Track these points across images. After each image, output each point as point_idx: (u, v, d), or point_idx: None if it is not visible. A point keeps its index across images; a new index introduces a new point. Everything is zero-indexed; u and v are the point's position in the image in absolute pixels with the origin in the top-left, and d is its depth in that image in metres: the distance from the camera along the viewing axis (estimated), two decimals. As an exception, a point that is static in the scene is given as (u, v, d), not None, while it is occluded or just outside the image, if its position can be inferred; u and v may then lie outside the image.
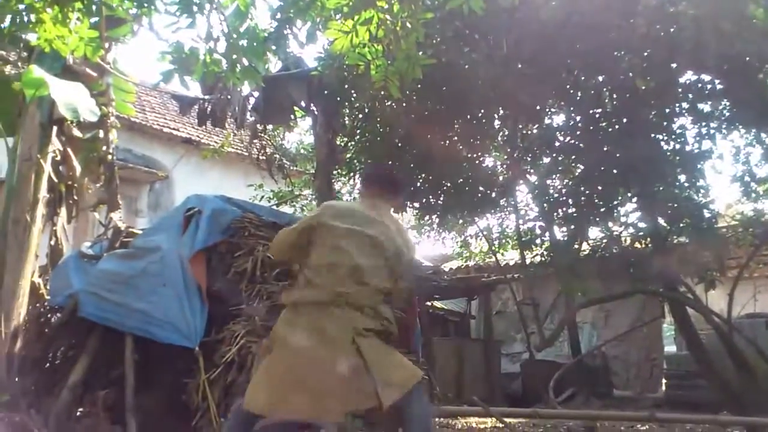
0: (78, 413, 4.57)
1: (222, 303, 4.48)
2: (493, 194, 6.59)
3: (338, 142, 6.17)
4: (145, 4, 3.07)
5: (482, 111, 5.91)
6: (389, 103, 5.80)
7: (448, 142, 6.21)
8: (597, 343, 9.18)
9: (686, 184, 5.47)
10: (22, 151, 4.87)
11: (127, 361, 4.45)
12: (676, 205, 5.27)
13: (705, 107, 5.52)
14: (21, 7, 2.93)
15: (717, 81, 5.29)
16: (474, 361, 8.43)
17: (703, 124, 5.47)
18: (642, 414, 4.83)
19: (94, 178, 5.83)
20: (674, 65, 5.28)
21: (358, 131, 6.64)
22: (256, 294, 4.36)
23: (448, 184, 6.58)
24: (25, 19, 3.00)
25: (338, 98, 5.77)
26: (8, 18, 3.06)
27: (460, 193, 6.50)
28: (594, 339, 9.61)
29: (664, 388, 8.91)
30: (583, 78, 5.64)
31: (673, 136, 5.51)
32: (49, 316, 5.30)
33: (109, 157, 5.68)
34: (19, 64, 5.37)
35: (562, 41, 5.11)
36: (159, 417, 4.43)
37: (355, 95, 5.91)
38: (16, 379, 4.51)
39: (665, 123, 5.51)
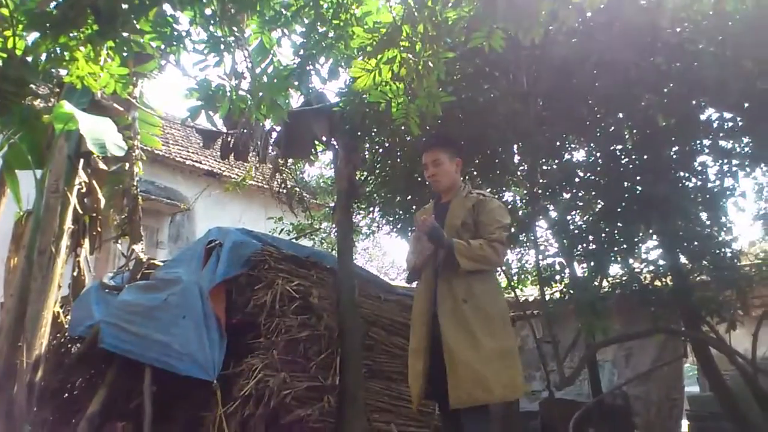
0: (96, 444, 4.57)
1: (241, 336, 4.50)
2: (513, 229, 6.57)
3: (358, 177, 6.21)
4: (174, 43, 3.15)
5: (501, 146, 5.93)
6: (409, 138, 5.85)
7: (467, 177, 6.23)
8: (618, 382, 9.01)
9: (708, 222, 5.42)
10: (49, 183, 4.96)
11: (145, 392, 4.47)
12: (697, 242, 5.21)
13: (727, 144, 5.49)
14: (55, 44, 3.02)
15: (738, 118, 5.28)
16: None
17: (725, 161, 5.44)
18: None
19: (117, 210, 5.92)
20: (695, 102, 5.28)
21: (378, 166, 6.68)
22: (275, 327, 4.37)
23: (468, 219, 6.56)
24: (59, 55, 3.10)
25: (359, 133, 5.82)
26: (43, 55, 3.16)
27: (479, 228, 6.48)
28: (615, 378, 9.43)
29: (686, 429, 8.70)
30: (602, 114, 5.65)
31: (695, 173, 5.48)
32: (69, 346, 5.34)
33: (134, 189, 5.78)
34: (50, 98, 5.51)
35: (581, 78, 5.14)
36: (176, 450, 4.42)
37: (375, 130, 5.97)
38: (35, 409, 4.52)
39: (686, 160, 5.49)
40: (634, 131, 5.71)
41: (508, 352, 3.23)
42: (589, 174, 5.89)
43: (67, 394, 5.14)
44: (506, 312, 3.43)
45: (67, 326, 5.27)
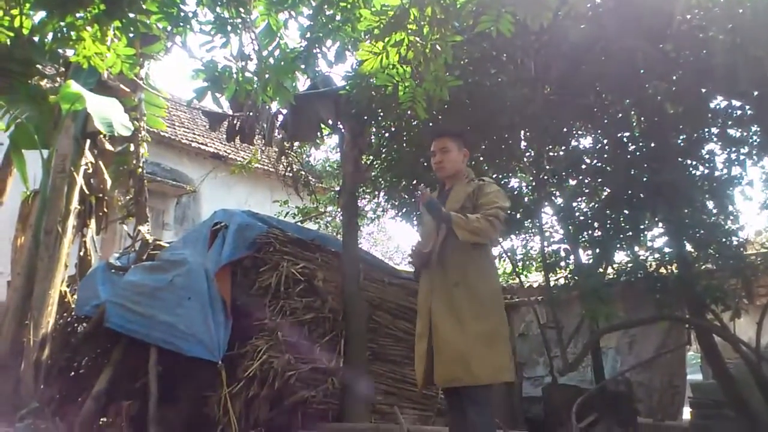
0: (101, 422, 4.63)
1: (246, 317, 4.52)
2: (518, 215, 6.55)
3: (364, 160, 6.20)
4: (181, 24, 3.14)
5: (508, 132, 5.90)
6: (415, 122, 5.83)
7: (473, 162, 6.21)
8: (621, 368, 9.03)
9: (714, 210, 5.39)
10: (56, 164, 4.99)
11: (150, 372, 4.51)
12: (703, 230, 5.19)
13: (735, 133, 5.44)
14: (62, 24, 3.02)
15: (747, 107, 5.24)
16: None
17: (733, 149, 5.39)
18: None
19: (123, 190, 5.94)
20: (704, 90, 5.24)
21: (384, 150, 6.66)
22: (280, 309, 4.39)
23: (473, 205, 6.55)
24: (66, 35, 3.09)
25: (365, 117, 5.80)
26: (50, 35, 3.15)
27: (484, 213, 6.46)
28: (618, 364, 9.45)
29: (688, 416, 8.72)
30: (610, 101, 5.62)
31: (702, 161, 5.44)
32: (75, 325, 5.39)
33: (139, 170, 5.80)
34: (57, 78, 5.51)
35: (589, 64, 5.10)
36: (180, 428, 4.47)
37: (382, 114, 5.94)
38: (42, 387, 4.57)
39: (694, 148, 5.45)
40: (642, 118, 5.67)
41: (495, 335, 3.25)
42: (595, 161, 5.86)
43: (73, 373, 5.18)
44: (498, 294, 3.45)
45: (73, 306, 5.31)
